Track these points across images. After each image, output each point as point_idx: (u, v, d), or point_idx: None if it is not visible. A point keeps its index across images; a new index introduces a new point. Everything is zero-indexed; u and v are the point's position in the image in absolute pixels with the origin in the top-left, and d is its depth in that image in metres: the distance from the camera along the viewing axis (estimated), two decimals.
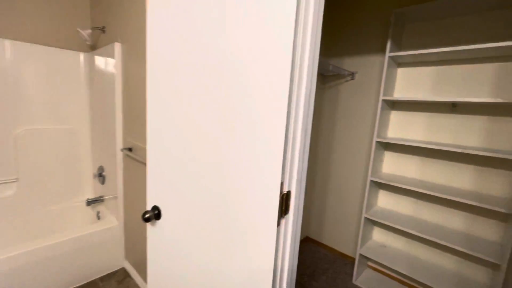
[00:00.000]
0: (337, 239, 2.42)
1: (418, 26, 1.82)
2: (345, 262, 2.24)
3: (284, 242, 0.81)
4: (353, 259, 2.27)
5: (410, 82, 1.90)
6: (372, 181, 1.89)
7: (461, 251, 1.72)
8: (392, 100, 1.86)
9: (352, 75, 2.19)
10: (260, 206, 0.74)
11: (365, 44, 2.09)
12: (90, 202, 2.02)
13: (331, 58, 2.33)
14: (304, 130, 0.77)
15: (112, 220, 1.91)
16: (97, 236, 1.80)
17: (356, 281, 1.99)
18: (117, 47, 1.67)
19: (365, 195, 1.90)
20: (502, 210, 1.39)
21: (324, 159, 2.47)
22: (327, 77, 2.38)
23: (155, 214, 0.98)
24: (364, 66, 2.12)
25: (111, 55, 1.72)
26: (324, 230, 2.51)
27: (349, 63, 2.22)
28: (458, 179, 1.75)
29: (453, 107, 1.73)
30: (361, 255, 1.97)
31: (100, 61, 1.92)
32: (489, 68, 1.58)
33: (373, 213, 1.94)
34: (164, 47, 0.93)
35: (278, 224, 0.73)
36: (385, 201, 2.09)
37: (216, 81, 0.79)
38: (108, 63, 1.80)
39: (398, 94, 1.96)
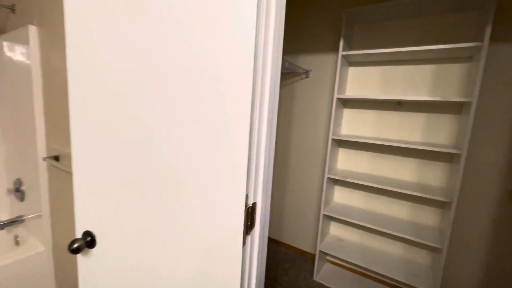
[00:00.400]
0: (296, 237, 2.43)
1: (367, 27, 1.89)
2: (305, 259, 2.26)
3: (251, 260, 0.70)
4: (312, 255, 2.30)
5: (360, 81, 1.98)
6: (328, 178, 1.92)
7: (407, 239, 1.86)
8: (344, 98, 1.91)
9: (306, 73, 2.20)
10: (222, 224, 0.63)
11: (319, 42, 2.11)
12: (4, 225, 1.62)
13: (285, 55, 2.30)
14: (269, 131, 0.67)
15: (36, 245, 1.56)
16: (17, 267, 1.45)
17: (316, 277, 2.01)
18: (33, 31, 1.34)
19: (323, 192, 1.92)
20: (442, 199, 1.53)
21: (281, 158, 2.45)
22: (282, 74, 2.36)
23: (88, 242, 0.78)
24: (318, 64, 2.15)
25: (25, 41, 1.38)
26: (283, 229, 2.50)
27: (303, 61, 2.22)
28: (404, 172, 1.89)
29: (398, 105, 1.85)
30: (320, 251, 1.99)
31: (9, 48, 1.53)
32: (428, 69, 1.72)
33: (330, 209, 1.98)
34: (95, 32, 0.73)
35: (244, 243, 0.62)
36: (340, 196, 2.16)
37: (170, 77, 0.64)
38: (21, 51, 1.44)
39: (350, 92, 2.02)
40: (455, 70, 1.65)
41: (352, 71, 2.00)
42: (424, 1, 1.53)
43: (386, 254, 1.95)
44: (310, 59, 2.18)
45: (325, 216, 1.99)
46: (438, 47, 1.47)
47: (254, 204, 0.66)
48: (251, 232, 0.67)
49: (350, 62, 1.98)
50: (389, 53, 1.63)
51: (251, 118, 0.56)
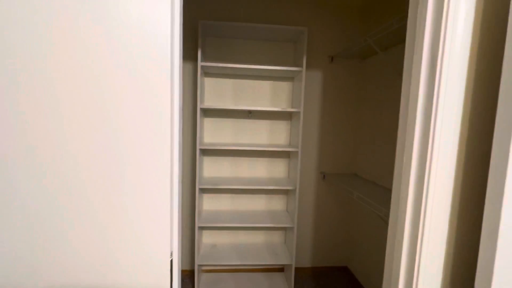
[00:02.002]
0: None
1: (218, 40, 2.03)
2: (182, 279, 2.10)
3: None
4: (189, 272, 2.18)
5: (215, 91, 2.10)
6: (199, 189, 1.89)
7: (267, 226, 2.19)
8: (205, 108, 1.95)
9: None
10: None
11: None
12: None
13: None
14: (179, 170, 0.56)
15: None
16: None
17: None
18: None
19: (196, 205, 1.86)
20: (289, 187, 1.94)
21: None
22: None
23: None
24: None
25: None
26: None
27: None
28: (258, 170, 2.21)
29: (249, 114, 2.13)
30: (198, 265, 1.93)
31: None
32: (268, 84, 2.11)
33: (203, 219, 1.96)
34: None
35: None
36: (208, 203, 2.19)
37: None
38: None
39: (208, 102, 2.09)
40: (284, 87, 2.13)
41: (208, 81, 2.08)
42: (256, 30, 1.85)
43: (253, 245, 2.21)
44: None
45: (199, 227, 1.95)
46: (272, 68, 1.82)
47: (171, 254, 0.53)
48: None
49: (206, 72, 2.04)
50: (238, 68, 1.83)
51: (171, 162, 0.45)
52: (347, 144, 2.23)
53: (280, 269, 2.29)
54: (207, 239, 2.21)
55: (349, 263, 2.33)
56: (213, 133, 2.14)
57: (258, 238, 2.26)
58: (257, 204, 2.23)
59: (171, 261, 0.49)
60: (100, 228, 0.46)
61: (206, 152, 2.13)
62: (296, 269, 2.17)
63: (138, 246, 0.46)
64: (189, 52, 2.01)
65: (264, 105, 2.13)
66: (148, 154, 0.44)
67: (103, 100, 0.44)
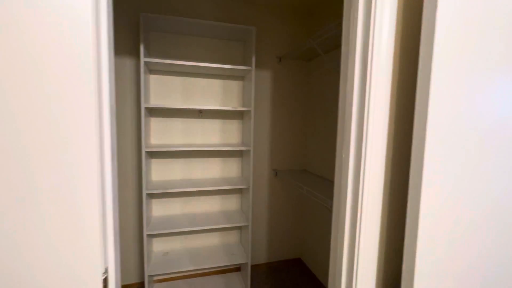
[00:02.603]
0: None
1: (163, 36, 1.91)
2: None
3: None
4: (139, 284, 2.02)
5: (163, 90, 1.98)
6: (147, 194, 1.76)
7: (222, 227, 2.16)
8: (151, 107, 1.82)
9: None
10: None
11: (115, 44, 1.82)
12: None
13: None
14: (114, 176, 0.51)
15: None
16: None
17: None
18: None
19: (143, 211, 1.73)
20: (243, 186, 1.95)
21: None
22: None
23: None
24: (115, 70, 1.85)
25: None
26: None
27: None
28: (211, 171, 2.16)
29: (200, 113, 2.07)
30: (149, 276, 1.80)
31: None
32: (218, 83, 2.07)
33: (152, 227, 1.84)
34: None
35: None
36: (158, 209, 2.06)
37: None
38: None
39: (154, 101, 1.96)
40: (235, 86, 2.13)
41: (153, 79, 1.95)
42: (204, 27, 1.80)
43: (208, 248, 2.15)
44: None
45: (148, 235, 1.82)
46: (220, 66, 1.78)
47: (106, 270, 0.47)
48: None
49: (151, 69, 1.91)
50: (186, 65, 1.76)
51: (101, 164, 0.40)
52: (297, 141, 2.33)
53: (237, 268, 2.28)
54: (158, 247, 2.08)
55: (302, 255, 2.45)
56: (162, 134, 2.01)
57: (213, 240, 2.22)
58: (211, 205, 2.19)
59: (105, 279, 0.43)
60: (14, 250, 0.38)
61: (153, 154, 2.00)
62: (252, 266, 2.20)
63: (62, 267, 0.40)
64: (131, 47, 1.85)
65: (215, 104, 2.09)
66: (71, 159, 0.38)
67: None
